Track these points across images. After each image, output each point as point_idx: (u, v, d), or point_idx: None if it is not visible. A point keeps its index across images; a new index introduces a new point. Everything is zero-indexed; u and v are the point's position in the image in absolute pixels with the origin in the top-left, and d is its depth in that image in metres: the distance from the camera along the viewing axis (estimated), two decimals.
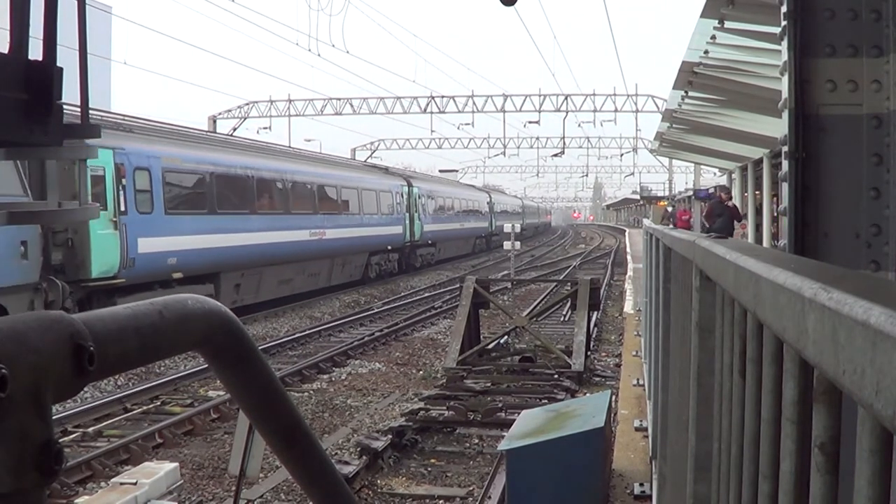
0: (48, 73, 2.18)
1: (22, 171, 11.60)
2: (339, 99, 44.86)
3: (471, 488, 8.19)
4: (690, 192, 46.03)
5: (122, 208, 15.55)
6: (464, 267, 37.53)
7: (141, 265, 15.79)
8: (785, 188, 3.19)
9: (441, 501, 7.97)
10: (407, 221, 33.52)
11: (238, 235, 19.55)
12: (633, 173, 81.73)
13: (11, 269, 12.12)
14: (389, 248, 31.41)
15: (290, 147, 32.91)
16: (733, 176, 23.98)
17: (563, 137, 53.18)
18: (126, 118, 18.89)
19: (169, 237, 16.77)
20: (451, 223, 41.71)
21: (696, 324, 2.22)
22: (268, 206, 21.84)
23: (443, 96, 45.08)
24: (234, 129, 40.55)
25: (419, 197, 35.61)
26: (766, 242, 19.44)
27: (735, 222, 19.84)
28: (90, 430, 10.21)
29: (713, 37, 8.77)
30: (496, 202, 57.87)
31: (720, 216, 18.97)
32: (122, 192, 15.51)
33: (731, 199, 20.26)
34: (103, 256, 14.84)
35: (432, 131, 50.71)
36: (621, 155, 64.66)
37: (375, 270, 30.19)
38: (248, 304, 20.29)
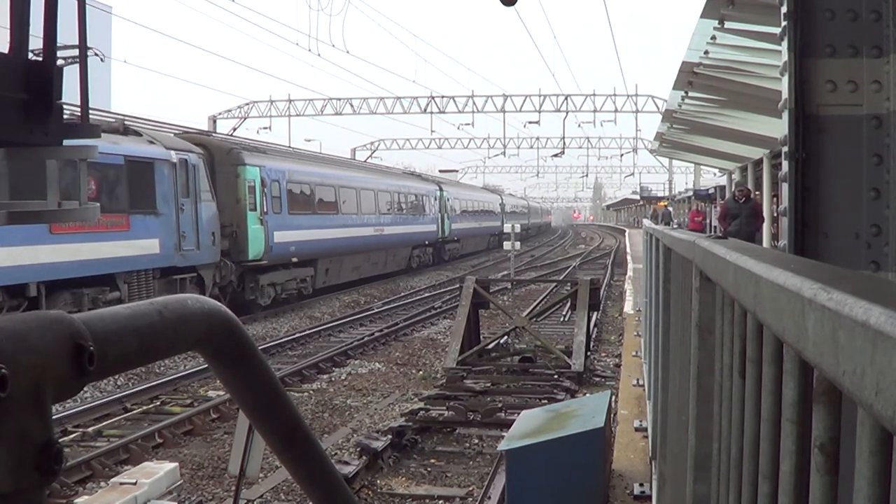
0: (48, 73, 2.18)
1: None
2: (339, 99, 44.87)
3: (470, 488, 8.19)
4: (690, 193, 46.04)
5: (265, 209, 20.94)
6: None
7: (276, 251, 21.26)
8: (785, 188, 3.19)
9: (441, 501, 7.97)
10: (440, 221, 39.68)
11: (328, 230, 25.13)
12: (633, 173, 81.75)
13: (210, 252, 18.35)
14: (427, 243, 37.67)
15: (355, 160, 41.66)
16: (733, 176, 23.98)
17: (563, 137, 53.18)
18: (260, 142, 26.40)
19: (291, 231, 22.29)
20: (472, 222, 47.41)
21: (695, 324, 2.22)
22: (346, 208, 27.22)
23: (443, 96, 45.09)
24: (234, 129, 40.54)
25: (448, 200, 41.58)
26: (766, 243, 19.24)
27: (758, 222, 16.12)
28: (90, 430, 10.21)
29: (713, 37, 8.77)
30: (506, 203, 63.37)
31: (736, 217, 15.56)
32: (264, 198, 21.02)
33: (749, 194, 16.36)
34: (255, 245, 20.34)
35: (432, 131, 50.72)
36: (621, 155, 64.66)
37: (416, 261, 36.12)
38: (332, 284, 25.82)
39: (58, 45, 2.32)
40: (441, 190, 41.05)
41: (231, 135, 33.81)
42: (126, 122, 17.75)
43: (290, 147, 31.19)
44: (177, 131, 20.78)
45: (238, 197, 20.11)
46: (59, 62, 2.31)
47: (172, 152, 17.50)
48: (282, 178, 22.29)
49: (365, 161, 44.68)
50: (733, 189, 18.40)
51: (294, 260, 22.49)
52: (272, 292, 21.68)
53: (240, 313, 18.50)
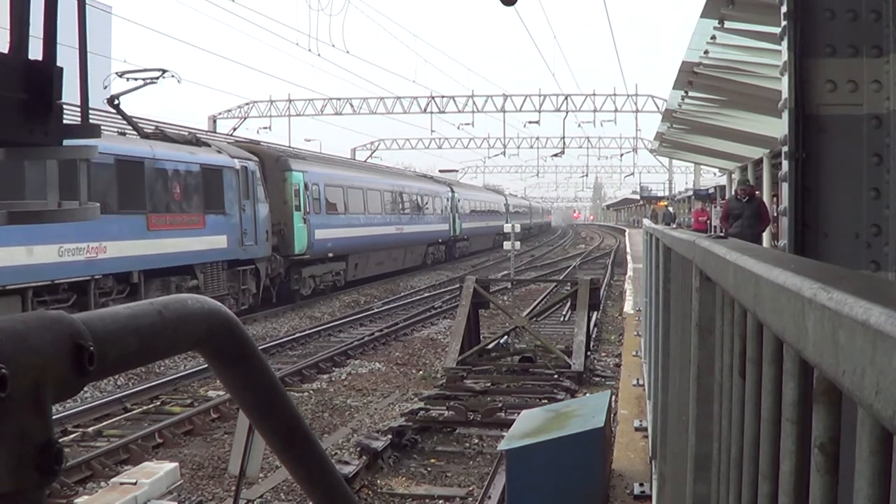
0: (48, 73, 2.18)
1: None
2: (339, 99, 44.90)
3: (471, 488, 8.19)
4: (690, 192, 46.05)
5: (307, 210, 23.56)
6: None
7: (316, 247, 23.95)
8: (785, 188, 3.19)
9: (441, 501, 7.97)
10: (451, 221, 42.42)
11: (357, 229, 27.79)
12: (633, 173, 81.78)
13: (264, 247, 20.93)
14: (440, 241, 40.40)
15: (378, 164, 44.05)
16: (733, 176, 23.97)
17: (563, 137, 53.22)
18: (301, 150, 30.29)
19: (328, 229, 24.93)
20: (479, 222, 49.57)
21: (695, 324, 2.22)
22: (372, 209, 29.89)
23: (443, 96, 45.12)
24: (234, 129, 40.56)
25: (458, 201, 44.09)
26: (766, 242, 19.18)
27: (762, 224, 14.34)
28: (90, 430, 10.21)
29: (713, 37, 8.77)
30: (510, 203, 65.49)
31: (738, 217, 13.86)
32: (307, 200, 23.67)
33: (753, 192, 14.48)
34: (300, 241, 22.99)
35: (432, 131, 50.79)
36: (621, 155, 64.69)
37: (431, 258, 38.71)
38: (359, 277, 28.30)
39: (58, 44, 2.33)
40: (452, 191, 43.65)
41: (231, 134, 34.04)
42: (197, 135, 20.93)
43: (323, 153, 35.44)
44: (230, 141, 24.15)
45: (285, 199, 22.65)
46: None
47: (236, 160, 20.08)
48: (320, 182, 25.05)
49: (365, 161, 44.77)
50: (735, 186, 15.82)
51: (330, 255, 25.26)
52: (312, 283, 24.24)
53: (284, 301, 22.95)
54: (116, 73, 18.43)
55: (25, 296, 13.55)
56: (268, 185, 21.68)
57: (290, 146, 34.11)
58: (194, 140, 19.64)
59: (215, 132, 34.83)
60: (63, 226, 13.33)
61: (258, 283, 20.90)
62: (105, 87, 19.79)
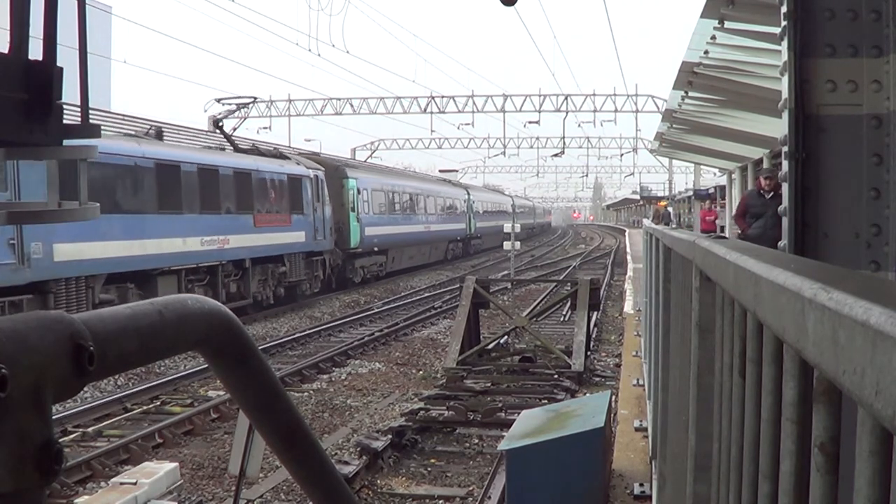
0: (48, 73, 2.17)
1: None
2: (339, 99, 44.87)
3: (471, 488, 8.19)
4: (690, 192, 46.03)
5: (359, 211, 28.27)
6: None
7: (366, 242, 28.74)
8: (785, 188, 3.19)
9: (441, 501, 7.97)
10: (468, 220, 47.42)
11: (396, 227, 32.74)
12: (633, 173, 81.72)
13: (329, 242, 25.28)
14: (458, 238, 45.33)
15: (411, 170, 52.39)
16: (733, 176, 23.95)
17: (563, 137, 53.17)
18: (351, 160, 38.15)
19: (375, 227, 29.82)
20: (490, 221, 53.52)
21: (695, 324, 2.22)
22: (406, 210, 35.08)
23: (443, 96, 45.09)
24: (234, 129, 40.52)
25: (473, 202, 49.10)
26: None
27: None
28: (90, 430, 10.21)
29: (713, 37, 8.75)
30: (516, 204, 69.68)
31: (759, 216, 10.85)
32: (359, 202, 28.35)
33: (779, 186, 9.41)
34: (354, 237, 27.75)
35: (432, 131, 50.74)
36: (621, 155, 64.64)
37: (451, 253, 43.45)
38: (396, 269, 32.96)
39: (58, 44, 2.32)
40: (468, 194, 49.06)
41: (232, 134, 34.27)
42: (280, 150, 26.03)
43: (365, 162, 42.01)
44: (299, 153, 28.84)
45: (343, 202, 27.35)
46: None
47: (311, 171, 24.51)
48: (368, 188, 29.88)
49: (365, 161, 44.92)
50: (758, 177, 12.39)
51: (375, 249, 29.97)
52: (362, 273, 29.02)
53: (341, 287, 27.32)
54: (215, 99, 23.91)
55: (180, 275, 17.64)
56: (329, 190, 25.96)
57: (289, 146, 34.25)
58: (278, 154, 24.43)
59: (216, 131, 34.83)
60: (203, 222, 18.39)
61: (324, 270, 25.24)
62: (205, 111, 27.62)
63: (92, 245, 14.90)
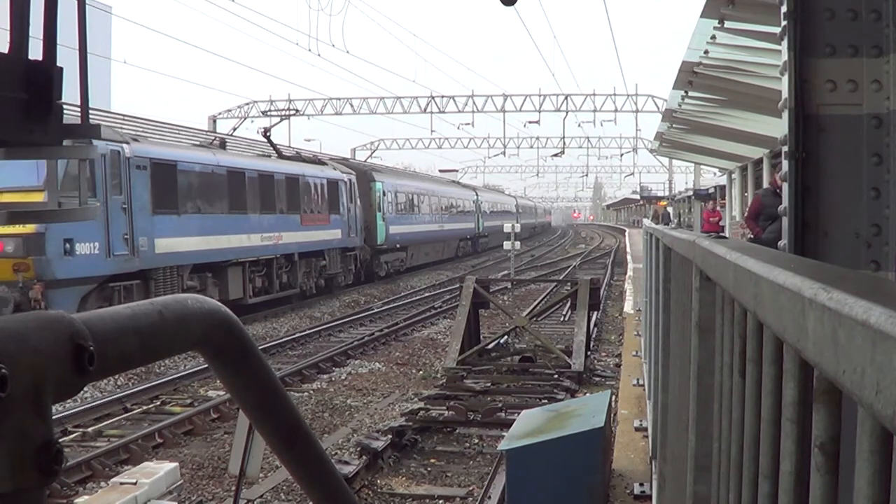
0: (48, 73, 2.17)
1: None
2: (339, 99, 44.87)
3: (471, 488, 8.19)
4: (690, 192, 46.02)
5: (384, 211, 31.27)
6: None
7: (390, 240, 31.84)
8: (785, 188, 3.19)
9: (441, 501, 7.97)
10: (476, 220, 50.42)
11: (415, 226, 35.79)
12: (633, 173, 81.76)
13: (360, 239, 28.21)
14: (468, 236, 48.48)
15: (424, 172, 56.35)
16: (733, 176, 23.94)
17: (563, 137, 53.18)
18: (377, 164, 40.17)
19: (398, 226, 32.87)
20: (496, 220, 55.03)
21: (695, 324, 2.22)
22: (423, 210, 37.82)
23: (443, 96, 45.10)
24: (234, 129, 40.52)
25: (481, 203, 52.13)
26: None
27: None
28: (90, 430, 10.21)
29: (713, 37, 8.75)
30: (520, 205, 73.06)
31: (774, 219, 9.33)
32: (384, 203, 31.39)
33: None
34: (381, 235, 30.72)
35: (432, 131, 50.78)
36: (621, 155, 64.68)
37: (462, 251, 46.45)
38: (413, 265, 35.53)
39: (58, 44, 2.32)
40: (477, 195, 52.08)
41: (233, 134, 34.46)
42: (318, 156, 28.93)
43: (388, 165, 44.89)
44: (332, 158, 31.47)
45: (371, 203, 30.27)
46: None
47: (345, 175, 27.59)
48: (392, 190, 33.06)
49: (365, 161, 44.98)
50: (773, 175, 11.38)
51: (397, 246, 33.02)
52: (386, 267, 32.04)
53: (368, 280, 29.95)
54: (261, 112, 27.90)
55: (245, 267, 20.22)
56: (359, 192, 28.74)
57: (289, 145, 34.32)
58: (317, 160, 27.30)
59: (214, 129, 34.90)
60: (262, 221, 21.25)
61: (356, 263, 28.26)
62: (253, 122, 33.22)
63: (182, 240, 17.53)
